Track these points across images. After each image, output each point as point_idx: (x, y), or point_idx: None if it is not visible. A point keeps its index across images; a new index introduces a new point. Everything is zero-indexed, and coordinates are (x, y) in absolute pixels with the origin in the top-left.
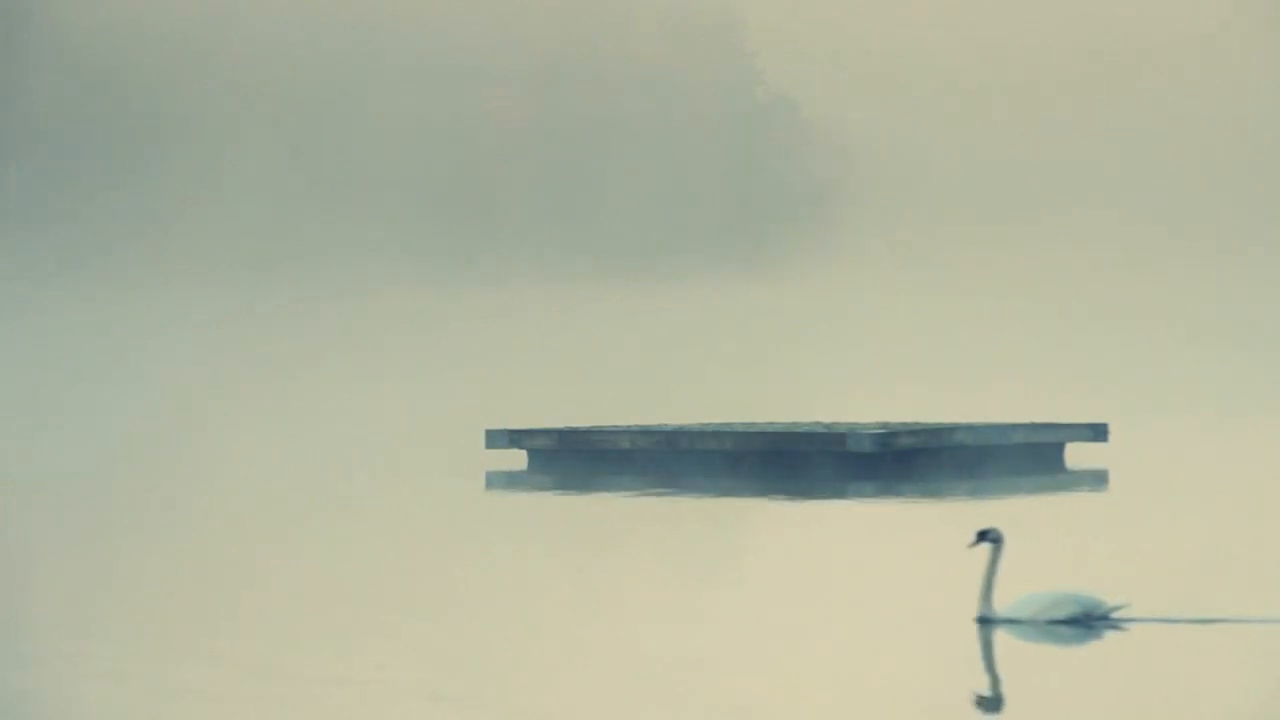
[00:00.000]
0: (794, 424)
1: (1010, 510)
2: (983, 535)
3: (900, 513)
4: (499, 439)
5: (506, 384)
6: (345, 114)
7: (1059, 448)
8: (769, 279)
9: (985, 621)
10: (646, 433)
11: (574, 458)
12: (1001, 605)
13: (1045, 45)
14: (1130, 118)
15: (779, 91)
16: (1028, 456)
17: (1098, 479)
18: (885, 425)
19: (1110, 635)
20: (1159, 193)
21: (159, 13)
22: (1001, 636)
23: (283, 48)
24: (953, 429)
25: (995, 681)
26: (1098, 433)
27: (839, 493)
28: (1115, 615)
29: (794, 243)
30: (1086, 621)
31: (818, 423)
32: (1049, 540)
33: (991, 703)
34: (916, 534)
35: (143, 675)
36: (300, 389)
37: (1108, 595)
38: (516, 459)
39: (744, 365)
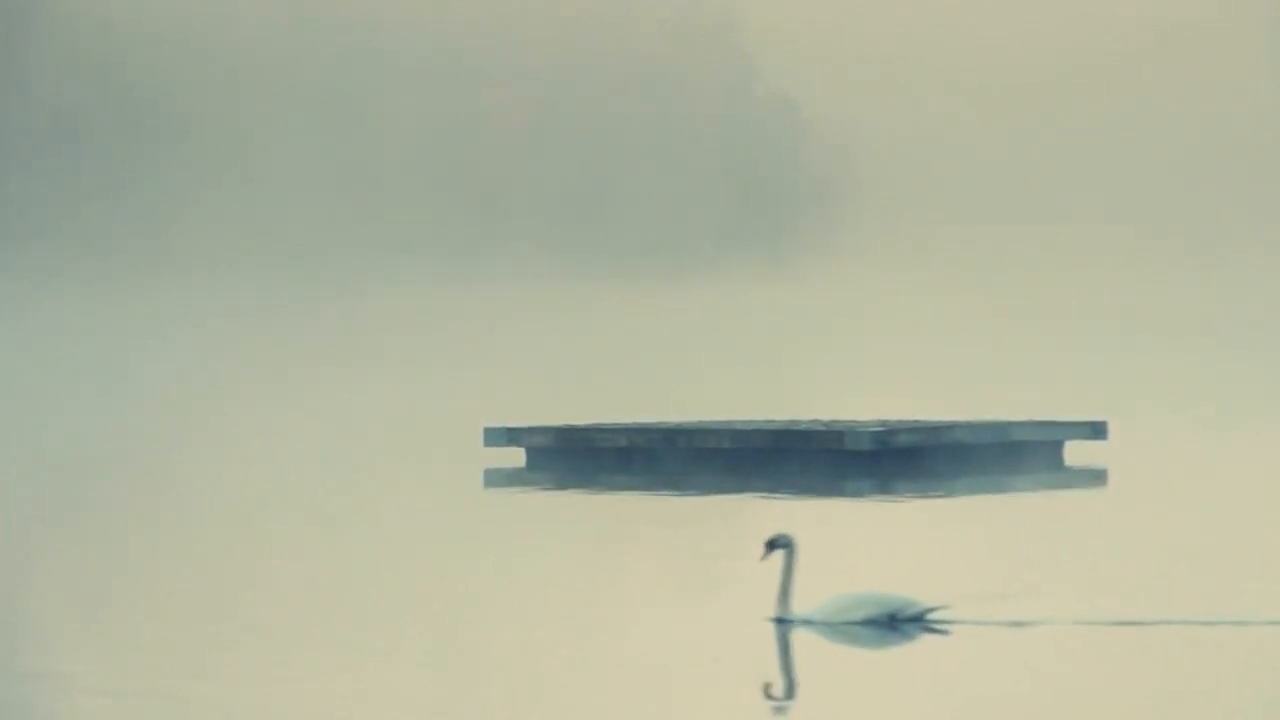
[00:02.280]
0: (792, 422)
1: (1010, 509)
2: (772, 545)
3: (898, 511)
4: (497, 437)
5: (505, 382)
6: (346, 113)
7: (1058, 446)
8: (768, 278)
9: (782, 622)
10: (645, 431)
11: (572, 456)
12: (808, 606)
13: (1045, 44)
14: (1131, 116)
15: (778, 90)
16: (1027, 454)
17: (1096, 477)
18: (884, 423)
19: (926, 638)
20: (1159, 191)
21: (161, 11)
22: (812, 638)
23: (285, 46)
24: (951, 427)
25: (789, 681)
26: (1097, 431)
27: (837, 491)
28: (931, 617)
29: (793, 242)
30: (892, 623)
31: (816, 420)
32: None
33: (782, 701)
34: (915, 533)
35: (143, 675)
36: (299, 387)
37: (1026, 595)
38: (515, 457)
39: (742, 363)
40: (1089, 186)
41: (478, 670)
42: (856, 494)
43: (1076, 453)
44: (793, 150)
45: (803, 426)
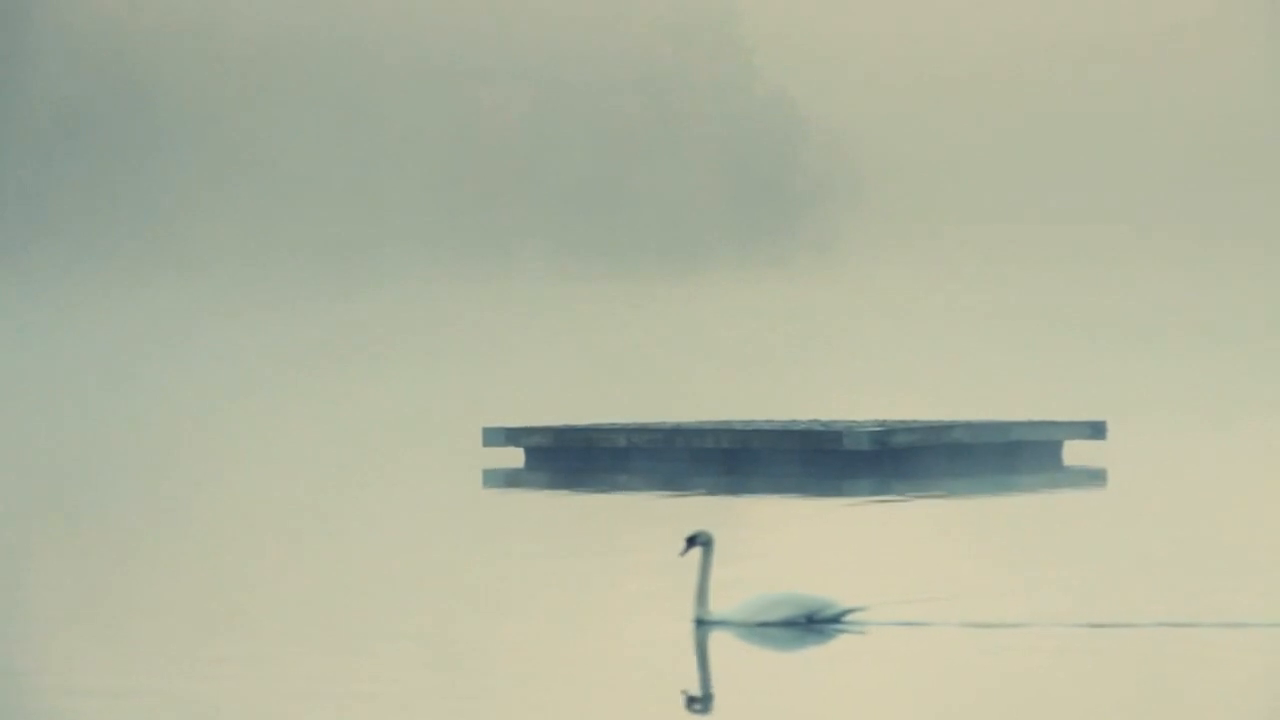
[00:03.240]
0: (791, 422)
1: (1011, 509)
2: (692, 540)
3: (896, 511)
4: (496, 437)
5: (504, 382)
6: (347, 113)
7: (1057, 445)
8: (767, 277)
9: (702, 624)
10: (644, 431)
11: (571, 456)
12: (725, 607)
13: (1045, 43)
14: (1131, 115)
15: (777, 89)
16: (1026, 454)
17: (1095, 477)
18: (882, 423)
19: (845, 638)
20: (1160, 191)
21: (164, 8)
22: (732, 639)
23: (286, 45)
24: (950, 426)
25: (706, 683)
26: (1096, 430)
27: (835, 491)
28: (849, 618)
29: (791, 241)
30: (809, 624)
31: (815, 420)
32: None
33: (701, 703)
34: (912, 532)
35: (142, 674)
36: (299, 386)
37: (962, 597)
38: (514, 457)
39: (741, 363)
40: (1089, 186)
41: (476, 669)
42: (855, 494)
43: (1075, 452)
44: (791, 149)
45: (802, 426)
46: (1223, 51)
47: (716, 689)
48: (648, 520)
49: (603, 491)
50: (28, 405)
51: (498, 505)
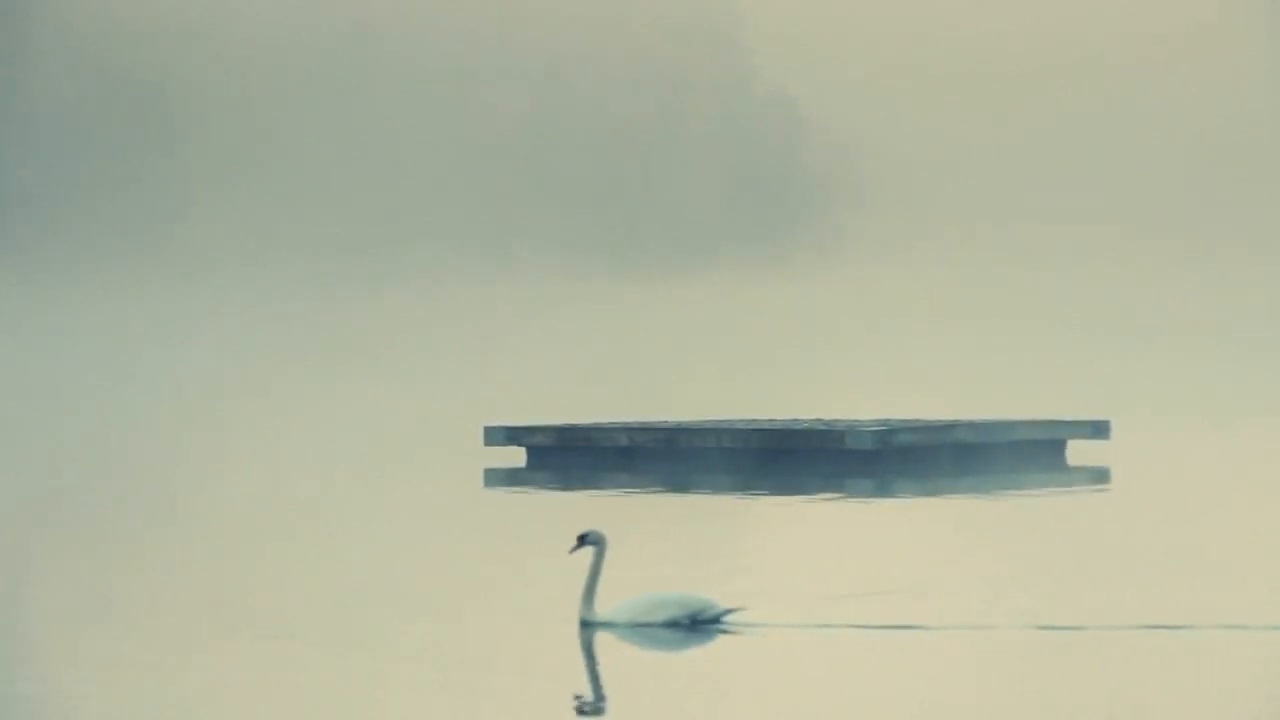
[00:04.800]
0: (793, 421)
1: (1010, 508)
2: (583, 539)
3: (896, 511)
4: (497, 436)
5: (505, 381)
6: (347, 114)
7: (1060, 445)
8: (768, 277)
9: (587, 625)
10: (646, 430)
11: (573, 455)
12: (608, 607)
13: (1046, 43)
14: (1132, 115)
15: (777, 90)
16: (1029, 454)
17: (1099, 476)
18: (885, 422)
19: (724, 639)
20: (1161, 190)
21: (164, 10)
22: (613, 641)
23: (288, 47)
24: (953, 426)
25: (596, 685)
26: (1099, 430)
27: (837, 490)
28: (728, 619)
29: (792, 241)
30: (692, 624)
31: (818, 420)
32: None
33: (592, 707)
34: (909, 532)
35: (143, 674)
36: (300, 386)
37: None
38: (515, 456)
39: (743, 363)
40: (1090, 186)
41: (476, 668)
42: (857, 494)
43: (1080, 452)
44: (792, 150)
45: (803, 426)
46: (1225, 52)
47: (608, 692)
48: (649, 520)
49: (605, 491)
50: (28, 405)
51: (499, 505)
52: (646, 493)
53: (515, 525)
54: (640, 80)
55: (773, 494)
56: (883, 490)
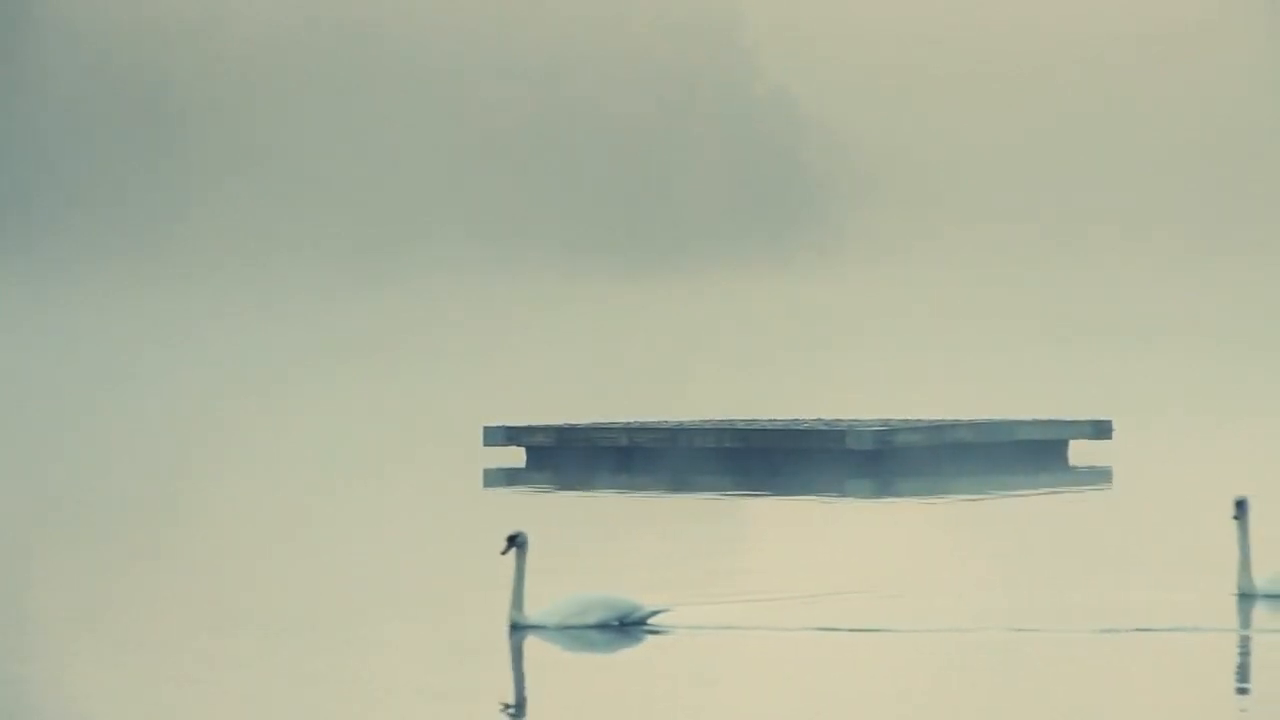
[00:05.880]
0: (794, 421)
1: (1011, 508)
2: (512, 540)
3: (896, 511)
4: (497, 436)
5: (505, 381)
6: (348, 114)
7: (1062, 445)
8: (769, 275)
9: (516, 627)
10: (646, 430)
11: (573, 455)
12: (537, 608)
13: (1046, 43)
14: (1133, 114)
15: (778, 89)
16: (1030, 453)
17: (1101, 476)
18: (885, 422)
19: (648, 639)
20: (1161, 190)
21: (165, 9)
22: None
23: (289, 47)
24: (954, 426)
25: (520, 686)
26: (1101, 429)
27: (838, 490)
28: (653, 620)
29: (793, 241)
30: (620, 626)
31: (818, 419)
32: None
33: (516, 709)
34: (905, 533)
35: (143, 673)
36: (300, 385)
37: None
38: (515, 456)
39: (743, 363)
40: (1091, 185)
41: (475, 667)
42: (857, 494)
43: (1082, 452)
44: (793, 149)
45: (803, 426)
46: (1225, 52)
47: (530, 694)
48: (649, 519)
49: (604, 491)
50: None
51: (498, 505)
52: (646, 493)
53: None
54: (640, 80)
55: (773, 494)
56: (883, 490)
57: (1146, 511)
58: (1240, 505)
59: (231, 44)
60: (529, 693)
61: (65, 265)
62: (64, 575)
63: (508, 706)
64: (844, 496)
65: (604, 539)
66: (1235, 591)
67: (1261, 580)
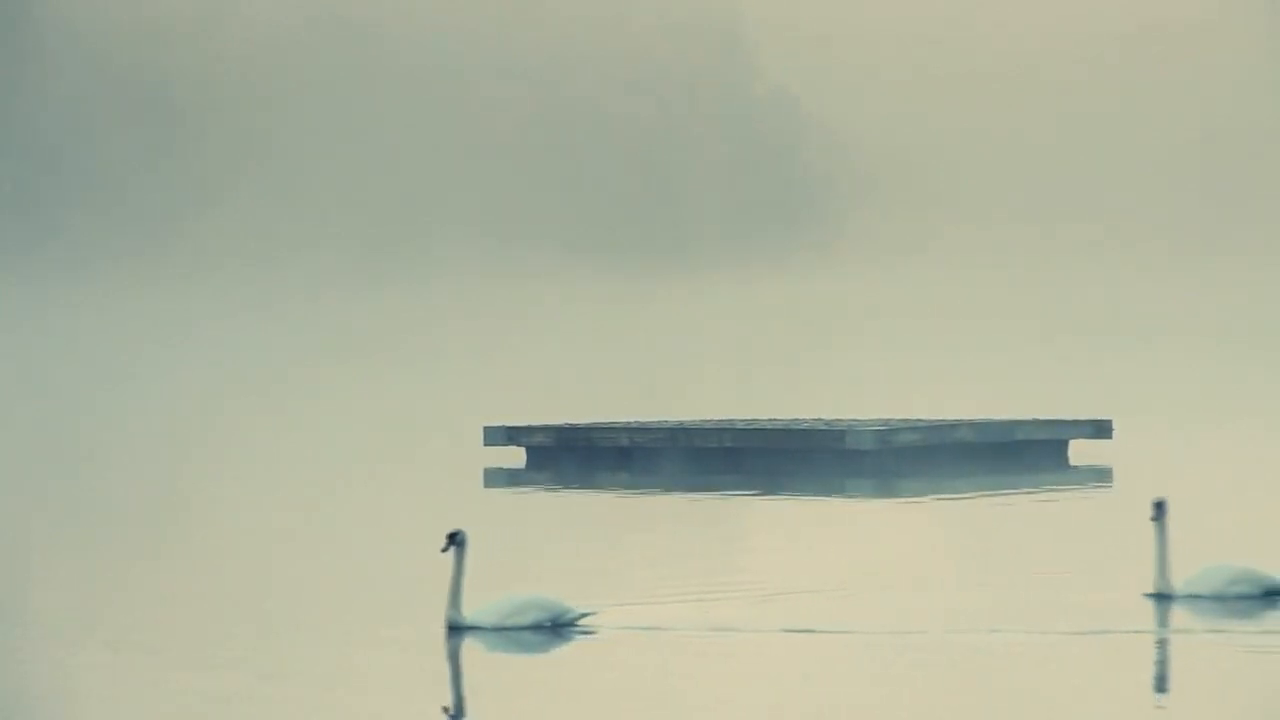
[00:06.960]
0: (794, 421)
1: (1012, 508)
2: (452, 538)
3: (896, 511)
4: (497, 436)
5: (505, 381)
6: (348, 114)
7: (1062, 445)
8: (769, 275)
9: (454, 628)
10: (646, 430)
11: (573, 455)
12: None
13: (1046, 43)
14: (1133, 115)
15: (778, 88)
16: (1030, 453)
17: (1101, 476)
18: (886, 422)
19: (582, 640)
20: (1162, 190)
21: (166, 9)
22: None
23: (290, 47)
24: (954, 425)
25: (458, 688)
26: (1101, 429)
27: (838, 490)
28: (582, 622)
29: (792, 241)
30: (553, 627)
31: (818, 419)
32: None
33: (455, 712)
34: (899, 533)
35: (144, 672)
36: (300, 385)
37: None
38: (515, 456)
39: (743, 362)
40: (1092, 185)
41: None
42: (857, 494)
43: (1083, 452)
44: (793, 149)
45: (803, 426)
46: (1225, 51)
47: (469, 697)
48: (649, 519)
49: (605, 490)
50: (28, 405)
51: (499, 505)
52: (646, 493)
53: (516, 525)
54: (640, 80)
55: (773, 494)
56: (883, 490)
57: (1146, 511)
58: (1159, 507)
59: (231, 44)
60: (464, 695)
61: (65, 265)
62: (64, 575)
63: (447, 710)
64: (844, 496)
65: (592, 540)
66: (1152, 592)
67: (1180, 581)
